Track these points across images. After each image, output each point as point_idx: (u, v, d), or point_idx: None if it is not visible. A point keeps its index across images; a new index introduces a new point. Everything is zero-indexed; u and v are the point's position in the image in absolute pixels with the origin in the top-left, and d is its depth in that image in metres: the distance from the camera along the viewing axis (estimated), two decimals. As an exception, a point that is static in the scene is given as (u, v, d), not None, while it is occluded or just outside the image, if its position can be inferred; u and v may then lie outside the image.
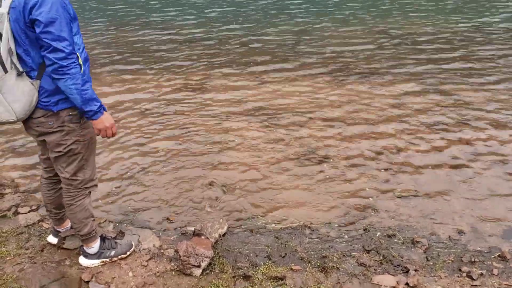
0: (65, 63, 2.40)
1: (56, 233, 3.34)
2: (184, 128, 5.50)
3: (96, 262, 3.12)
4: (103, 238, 3.18)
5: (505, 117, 5.50)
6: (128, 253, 3.24)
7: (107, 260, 3.14)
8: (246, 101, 6.20)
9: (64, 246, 3.28)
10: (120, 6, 14.04)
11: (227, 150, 4.94)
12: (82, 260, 3.13)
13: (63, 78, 2.44)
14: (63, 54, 2.40)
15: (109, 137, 2.76)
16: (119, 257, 3.19)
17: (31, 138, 5.06)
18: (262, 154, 4.82)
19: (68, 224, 3.31)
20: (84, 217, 2.95)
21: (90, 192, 2.98)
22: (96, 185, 3.01)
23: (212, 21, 11.46)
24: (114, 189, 4.28)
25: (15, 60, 2.49)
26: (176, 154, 4.90)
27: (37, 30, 2.37)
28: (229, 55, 8.42)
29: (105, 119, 2.66)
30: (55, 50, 2.39)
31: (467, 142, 4.94)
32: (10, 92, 2.50)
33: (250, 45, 9.10)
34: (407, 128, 5.30)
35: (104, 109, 2.67)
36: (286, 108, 5.94)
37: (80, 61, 2.57)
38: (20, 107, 2.54)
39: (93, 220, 3.04)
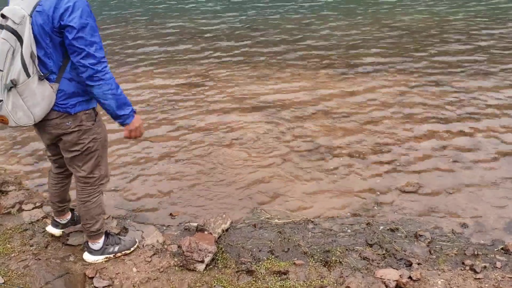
0: (99, 68, 2.42)
1: (55, 224, 3.37)
2: (187, 124, 5.50)
3: (100, 258, 3.14)
4: (107, 234, 3.20)
5: (507, 114, 5.46)
6: (132, 249, 3.25)
7: (111, 256, 3.16)
8: (249, 97, 6.20)
9: (68, 242, 3.31)
10: (122, 4, 14.03)
11: (231, 145, 4.94)
12: (87, 256, 3.15)
13: (98, 84, 2.45)
14: (96, 60, 2.41)
15: (136, 138, 2.80)
16: (123, 253, 3.21)
17: (34, 135, 5.10)
18: (265, 150, 4.82)
19: (68, 216, 3.36)
20: (97, 213, 2.99)
21: (102, 189, 3.01)
22: (108, 180, 3.06)
23: (213, 18, 11.44)
24: (117, 185, 4.30)
25: (37, 64, 2.47)
26: (179, 150, 4.90)
27: (69, 36, 2.37)
28: (231, 52, 8.40)
29: (136, 121, 2.70)
30: (88, 55, 2.40)
31: (470, 136, 4.92)
32: (31, 97, 2.46)
33: (252, 41, 9.07)
34: (410, 122, 5.29)
35: (134, 111, 2.69)
36: (289, 104, 5.93)
37: None
38: (40, 111, 2.52)
39: (103, 217, 3.08)
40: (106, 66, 2.46)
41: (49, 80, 2.53)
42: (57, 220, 3.35)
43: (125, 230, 3.52)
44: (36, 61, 2.46)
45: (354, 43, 8.53)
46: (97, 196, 2.96)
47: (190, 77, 7.13)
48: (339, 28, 9.67)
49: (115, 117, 2.63)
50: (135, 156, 4.83)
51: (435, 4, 11.45)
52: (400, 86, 6.36)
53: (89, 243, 3.12)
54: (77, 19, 2.36)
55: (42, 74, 2.48)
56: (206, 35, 9.66)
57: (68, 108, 2.59)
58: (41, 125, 2.67)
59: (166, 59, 8.13)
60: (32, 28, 2.40)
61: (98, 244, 3.12)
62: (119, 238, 3.26)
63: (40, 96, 2.48)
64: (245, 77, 6.96)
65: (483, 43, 8.10)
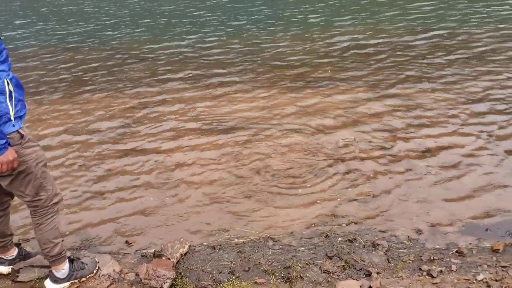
0: None
1: (1, 261, 3.23)
2: (140, 147, 5.41)
3: (66, 285, 3.05)
4: (71, 260, 3.11)
5: (455, 119, 5.66)
6: (94, 271, 3.19)
7: (76, 281, 3.09)
8: (205, 118, 6.15)
9: (18, 279, 3.16)
10: (67, 26, 13.76)
11: (185, 167, 4.88)
12: (51, 285, 3.03)
13: None
14: None
15: (6, 171, 2.60)
16: (87, 277, 3.14)
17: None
18: (220, 169, 4.79)
19: (13, 251, 3.23)
20: (53, 236, 2.89)
21: (58, 209, 2.92)
22: (62, 199, 2.98)
23: (156, 35, 11.39)
24: (69, 214, 4.16)
25: None
26: (132, 175, 4.80)
27: None
28: (184, 70, 8.37)
29: (9, 154, 2.54)
30: None
31: (419, 143, 5.06)
32: None
33: (205, 59, 9.08)
34: (363, 132, 5.38)
35: (9, 144, 2.55)
36: (243, 122, 5.92)
37: (11, 87, 2.56)
38: None
39: (63, 240, 2.98)
40: None
41: None
42: (2, 257, 3.21)
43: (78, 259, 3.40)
44: None
45: (306, 57, 8.68)
46: (51, 218, 2.87)
47: (141, 99, 7.02)
48: (288, 44, 9.82)
49: None
50: (89, 183, 4.69)
51: (380, 19, 11.84)
52: (352, 98, 6.48)
53: (53, 271, 3.01)
54: None
55: None
56: (152, 57, 9.58)
57: None
58: None
59: (116, 83, 7.98)
60: None
61: (63, 271, 3.02)
62: (82, 263, 3.18)
63: None
64: (199, 98, 6.90)
65: (425, 52, 8.41)
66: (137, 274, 3.13)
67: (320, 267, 3.26)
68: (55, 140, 5.75)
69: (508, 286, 2.94)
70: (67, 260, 3.06)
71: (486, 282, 3.00)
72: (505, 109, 5.72)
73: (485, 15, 10.89)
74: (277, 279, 3.16)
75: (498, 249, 3.33)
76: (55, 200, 2.88)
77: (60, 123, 6.28)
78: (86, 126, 6.11)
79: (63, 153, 5.37)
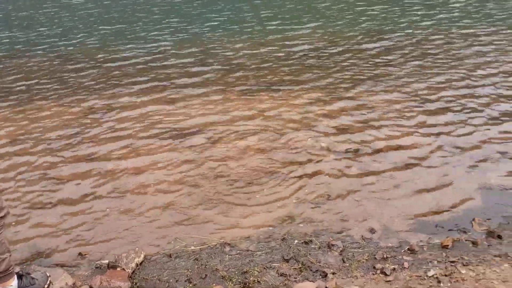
0: None
1: None
2: (93, 157, 5.28)
3: None
4: (20, 276, 3.00)
5: (404, 120, 5.83)
6: (46, 286, 3.09)
7: None
8: (156, 123, 6.08)
9: (-37, 298, 3.01)
10: (16, 33, 13.31)
11: (140, 176, 4.80)
12: None
13: None
14: None
15: None
16: None
17: None
18: (176, 176, 4.74)
19: None
20: (0, 252, 2.77)
21: (4, 223, 2.81)
22: (9, 212, 2.87)
23: (110, 41, 11.19)
24: (18, 227, 4.01)
25: None
26: (85, 185, 4.68)
27: None
28: (139, 77, 8.23)
29: None
30: None
31: (373, 144, 5.17)
32: None
33: (160, 65, 8.97)
34: (319, 136, 5.45)
35: None
36: (201, 127, 5.87)
37: None
38: None
39: (10, 255, 2.87)
40: None
41: None
42: None
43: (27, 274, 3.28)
44: None
45: (259, 62, 8.71)
46: None
47: (92, 106, 6.85)
48: (245, 49, 9.85)
49: None
50: (38, 195, 4.54)
51: (336, 23, 12.06)
52: (308, 102, 6.54)
53: None
54: None
55: None
56: (105, 65, 9.39)
57: None
58: None
59: (68, 92, 7.75)
60: None
61: (11, 287, 2.89)
62: (33, 278, 3.07)
63: None
64: (155, 105, 6.78)
65: (381, 59, 8.62)
66: (90, 287, 3.06)
67: (277, 270, 3.28)
68: (1, 152, 5.53)
69: (457, 280, 3.05)
70: (15, 276, 2.95)
71: (437, 277, 3.10)
72: (457, 110, 5.92)
73: (437, 19, 11.29)
74: (234, 285, 3.15)
75: (447, 245, 3.46)
76: (1, 214, 2.78)
77: (7, 134, 6.05)
78: (36, 137, 5.89)
79: (11, 165, 5.18)
